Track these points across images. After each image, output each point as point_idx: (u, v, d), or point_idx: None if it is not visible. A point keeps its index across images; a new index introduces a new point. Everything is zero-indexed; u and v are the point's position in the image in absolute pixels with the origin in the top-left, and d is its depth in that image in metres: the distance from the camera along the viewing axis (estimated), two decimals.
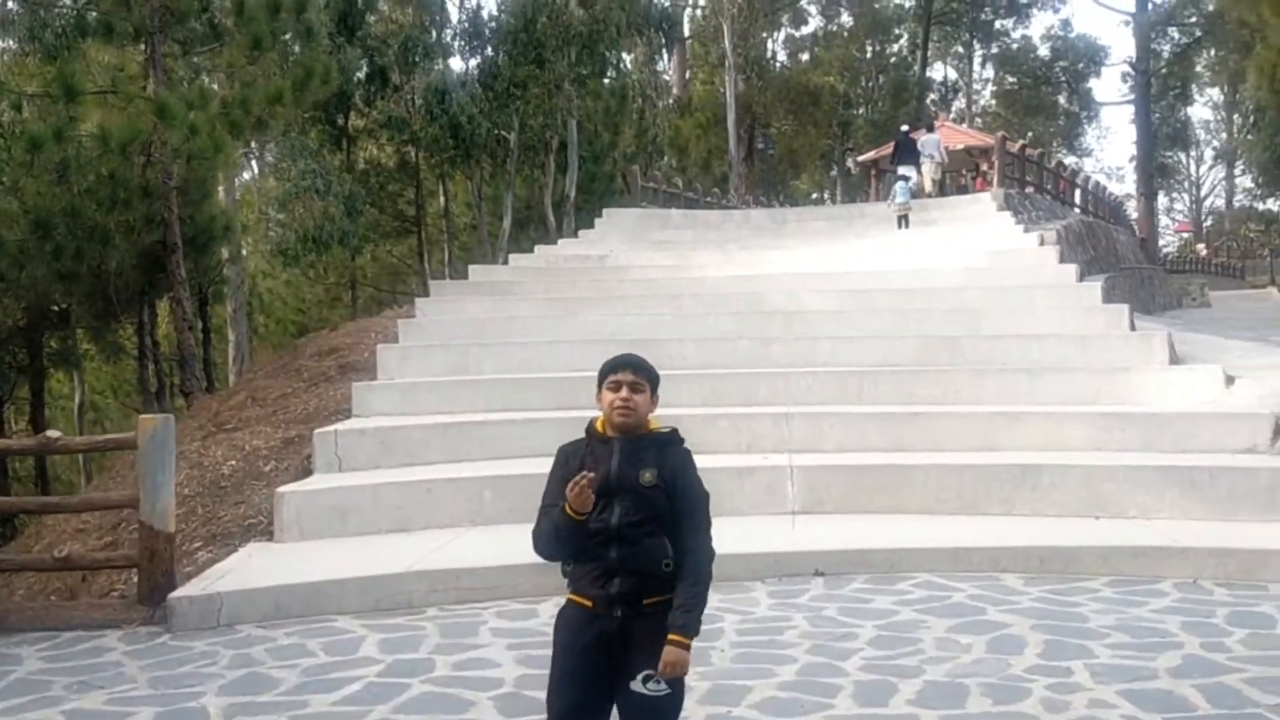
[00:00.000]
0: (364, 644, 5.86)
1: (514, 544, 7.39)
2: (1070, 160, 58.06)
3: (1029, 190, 25.06)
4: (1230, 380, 9.80)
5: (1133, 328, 12.22)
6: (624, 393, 3.32)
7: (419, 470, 8.80)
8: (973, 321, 12.67)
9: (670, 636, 3.12)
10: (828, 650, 5.35)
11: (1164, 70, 60.19)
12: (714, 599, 6.42)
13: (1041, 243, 17.37)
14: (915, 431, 9.41)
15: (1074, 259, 17.59)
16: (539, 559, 6.57)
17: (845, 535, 7.55)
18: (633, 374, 3.36)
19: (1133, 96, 54.47)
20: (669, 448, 3.35)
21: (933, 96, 60.24)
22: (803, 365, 11.70)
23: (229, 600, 6.51)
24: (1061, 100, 67.09)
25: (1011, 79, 65.25)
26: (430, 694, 5.01)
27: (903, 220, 21.08)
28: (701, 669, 5.18)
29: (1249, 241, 76.38)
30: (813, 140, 45.60)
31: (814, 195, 62.15)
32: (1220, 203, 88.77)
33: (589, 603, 3.24)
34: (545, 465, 8.76)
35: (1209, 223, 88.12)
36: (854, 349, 12.03)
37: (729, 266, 17.93)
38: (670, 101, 40.76)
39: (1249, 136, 66.39)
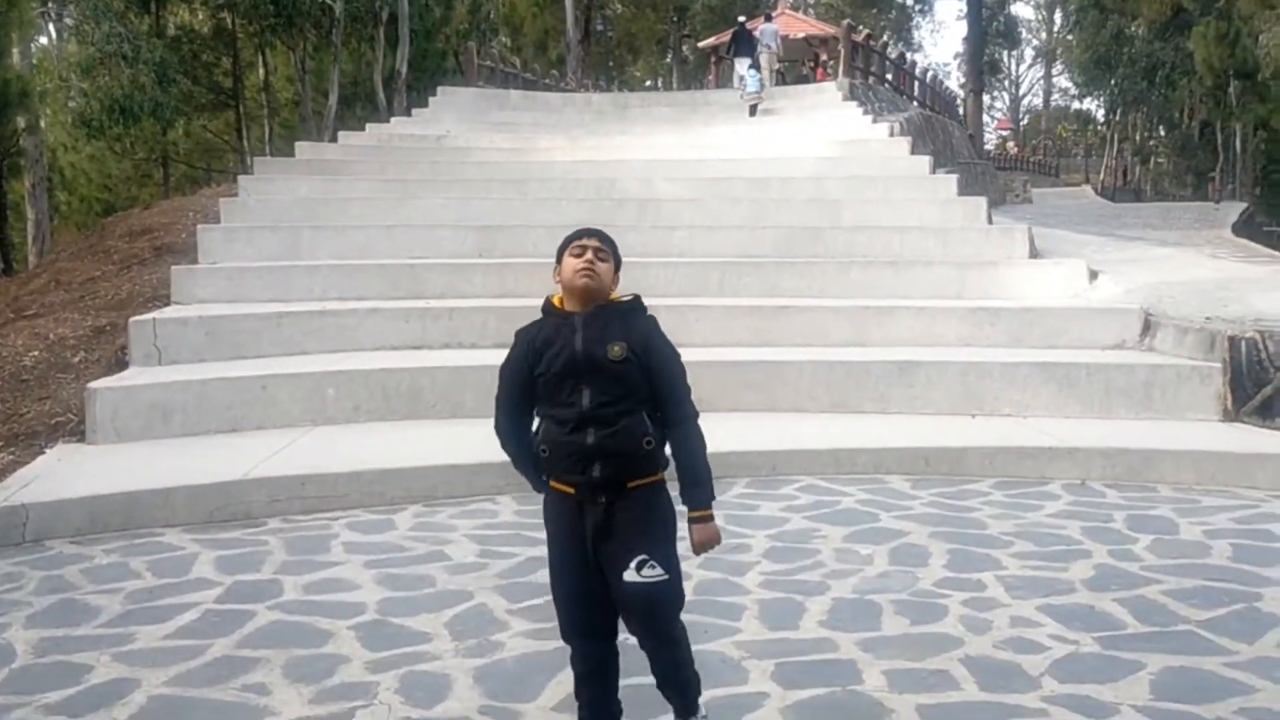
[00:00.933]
0: (197, 563, 5.13)
1: (364, 446, 6.75)
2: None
3: (871, 81, 24.86)
4: (1094, 275, 9.71)
5: (990, 221, 12.09)
6: (588, 255, 3.05)
7: (251, 364, 7.97)
8: (833, 212, 12.33)
9: (690, 514, 2.97)
10: (722, 564, 4.90)
11: None
12: None
13: (892, 133, 17.17)
14: (783, 325, 9.04)
15: (921, 152, 17.46)
16: (393, 464, 5.84)
17: (721, 435, 7.07)
18: (598, 240, 3.09)
19: None
20: (633, 316, 3.09)
21: None
22: (660, 255, 11.19)
23: (35, 513, 5.63)
24: None
25: None
26: (280, 624, 4.35)
27: (754, 109, 20.61)
28: None
29: (1063, 140, 79.02)
30: (650, 25, 44.53)
31: (649, 83, 61.25)
32: (1038, 102, 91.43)
33: (571, 489, 2.99)
34: (394, 359, 8.00)
35: (1025, 121, 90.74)
36: (713, 239, 11.57)
37: (576, 151, 17.25)
38: None
39: (1069, 36, 68.17)
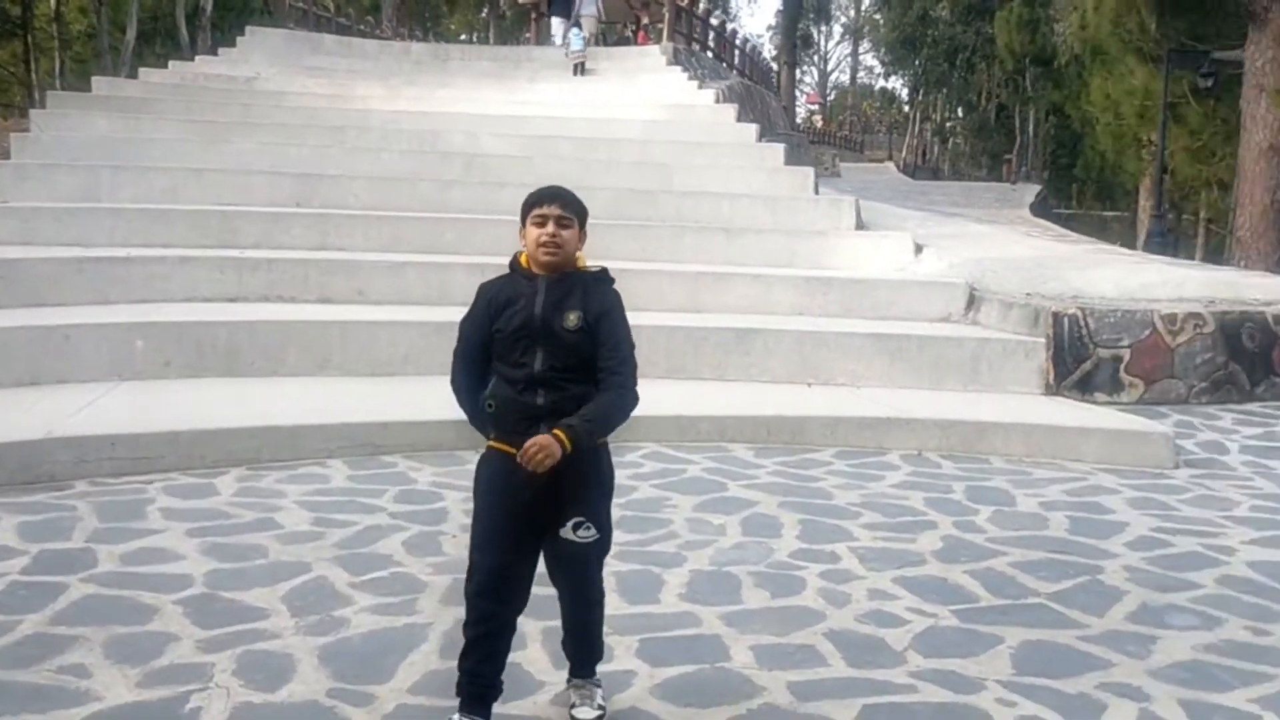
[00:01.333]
0: None
1: (178, 404, 6.30)
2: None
3: (694, 48, 24.91)
4: (919, 249, 9.91)
5: (816, 192, 12.23)
6: (550, 228, 2.98)
7: (50, 313, 7.34)
8: (663, 176, 12.27)
9: (555, 429, 2.84)
10: None
11: None
12: (428, 474, 5.72)
13: (718, 100, 17.20)
14: (619, 288, 8.88)
15: (746, 120, 17.56)
16: (212, 424, 5.43)
17: None
18: (560, 208, 3.00)
19: None
20: (596, 287, 3.04)
21: None
22: (488, 212, 10.89)
23: None
24: None
25: None
26: (97, 598, 3.96)
27: (578, 68, 20.34)
28: (434, 560, 4.45)
29: (868, 117, 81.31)
30: None
31: (464, 36, 60.03)
32: (845, 78, 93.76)
33: (514, 450, 2.89)
34: (209, 312, 7.50)
35: (833, 97, 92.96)
36: None
37: (397, 101, 16.69)
38: None
39: (876, 15, 70.03)
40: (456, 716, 2.98)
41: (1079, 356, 7.45)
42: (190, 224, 9.46)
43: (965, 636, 3.81)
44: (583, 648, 3.23)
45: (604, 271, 3.09)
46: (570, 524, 2.98)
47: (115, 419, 5.88)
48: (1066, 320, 7.49)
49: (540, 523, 3.00)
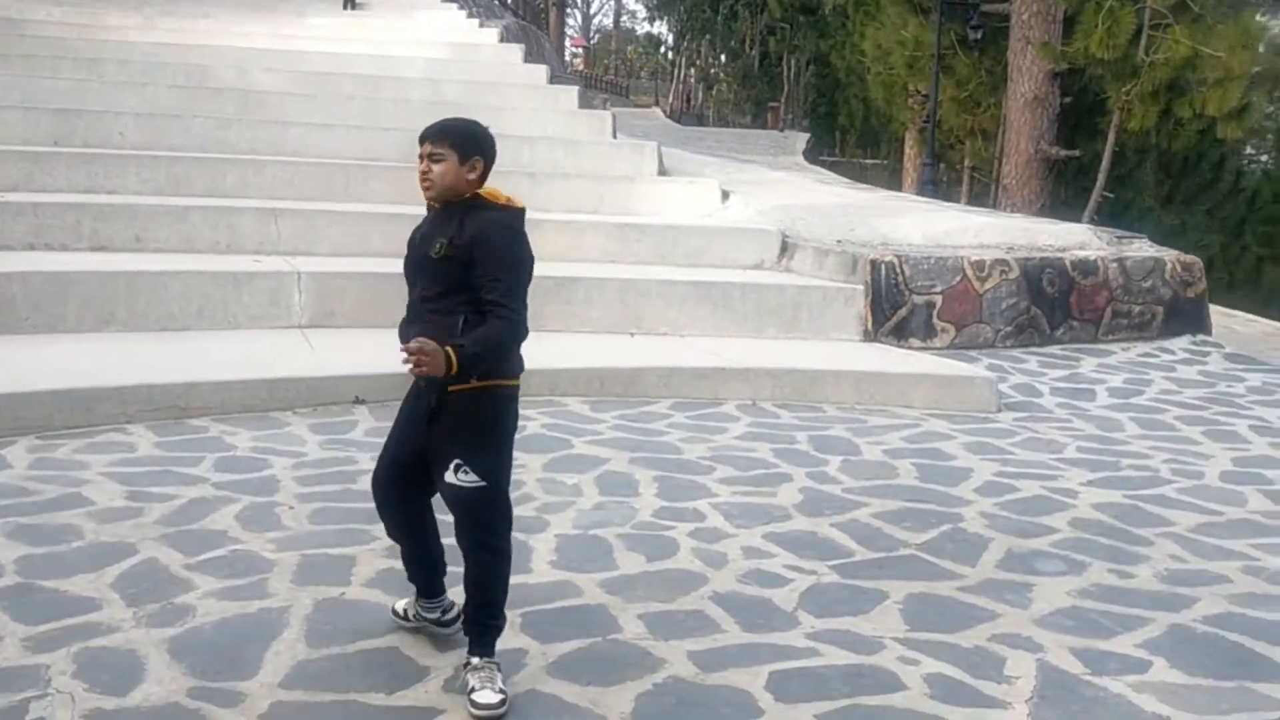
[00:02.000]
0: None
1: None
2: None
3: None
4: (725, 196, 9.87)
5: (614, 136, 12.04)
6: (423, 165, 3.01)
7: None
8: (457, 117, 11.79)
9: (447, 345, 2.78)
10: None
11: None
12: (246, 439, 5.27)
13: (502, 39, 16.75)
14: None
15: (532, 61, 17.18)
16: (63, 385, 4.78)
17: (375, 357, 6.51)
18: (431, 144, 3.00)
19: None
20: (472, 215, 2.95)
21: None
22: (273, 153, 10.24)
23: None
24: None
25: None
26: None
27: (348, 2, 19.44)
28: (275, 535, 4.06)
29: (632, 62, 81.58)
30: None
31: None
32: (608, 22, 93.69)
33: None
34: None
35: (596, 40, 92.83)
36: (331, 138, 10.72)
37: (154, 33, 15.56)
38: None
39: None
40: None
41: (895, 303, 7.56)
42: None
43: (850, 593, 3.74)
44: (479, 618, 3.00)
45: (475, 197, 2.98)
46: (451, 465, 2.95)
47: None
48: (884, 267, 7.59)
49: (429, 460, 3.03)
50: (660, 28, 70.98)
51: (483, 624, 3.00)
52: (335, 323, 7.20)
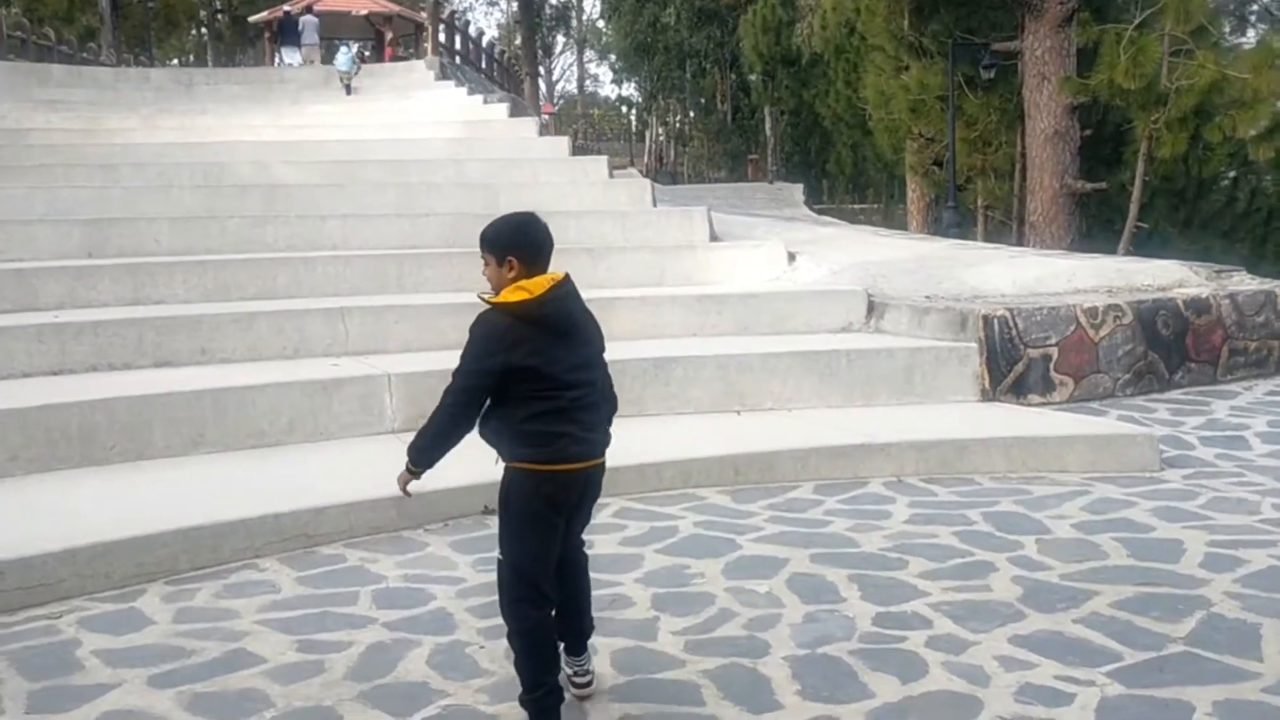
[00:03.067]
0: None
1: (47, 509, 5.17)
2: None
3: (457, 60, 24.09)
4: (792, 257, 9.55)
5: (654, 203, 11.76)
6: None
7: None
8: (489, 197, 11.50)
9: None
10: (625, 627, 4.03)
11: None
12: (391, 567, 4.85)
13: (511, 114, 16.53)
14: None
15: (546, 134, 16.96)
16: (114, 533, 4.47)
17: (486, 453, 6.12)
18: (480, 252, 3.30)
19: None
20: None
21: None
22: (312, 248, 9.92)
23: None
24: None
25: None
26: None
27: (348, 88, 19.27)
28: (481, 683, 3.64)
29: (600, 125, 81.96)
30: None
31: (176, 60, 56.75)
32: (569, 86, 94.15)
33: None
34: (41, 390, 6.32)
35: (559, 106, 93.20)
36: (370, 229, 10.42)
37: (157, 133, 15.34)
38: None
39: (599, 23, 70.49)
40: None
41: (1011, 359, 7.22)
42: None
43: (1153, 707, 3.35)
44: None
45: (482, 304, 3.21)
46: None
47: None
48: (996, 322, 7.25)
49: None
50: (628, 89, 71.21)
51: (521, 699, 3.22)
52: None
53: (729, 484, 5.90)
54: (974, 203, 20.49)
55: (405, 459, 3.28)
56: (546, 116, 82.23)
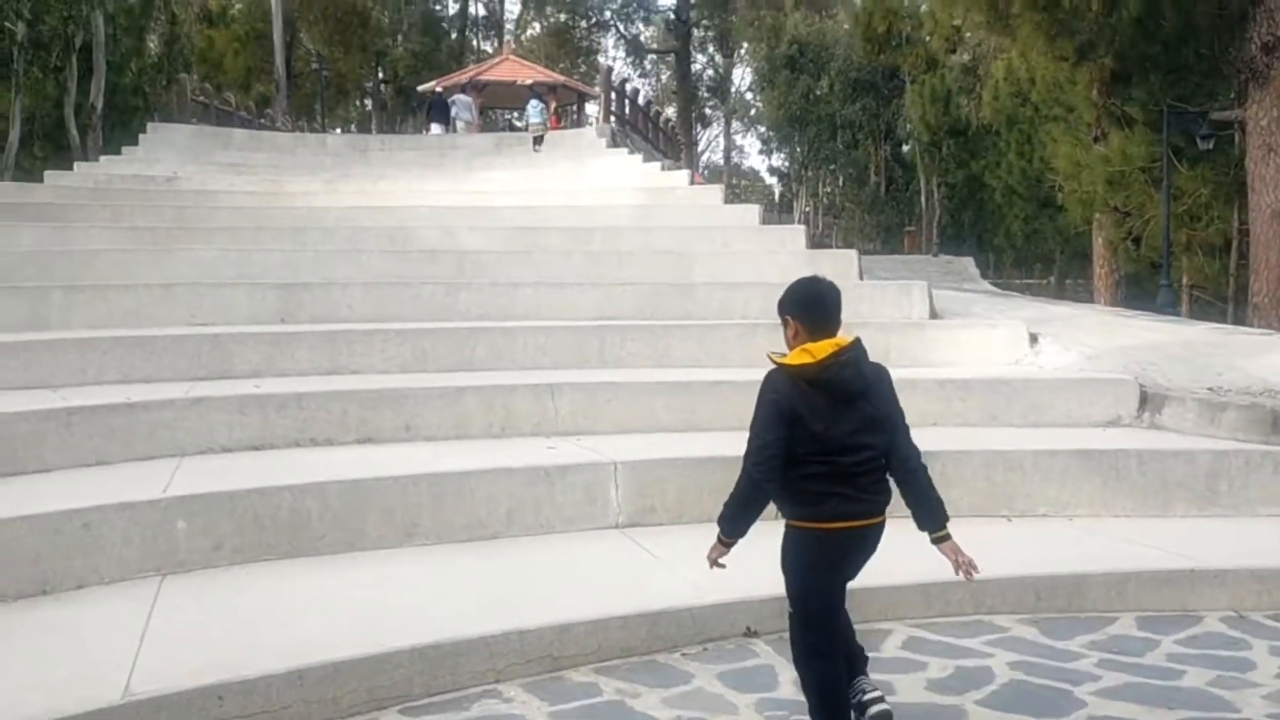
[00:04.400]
0: None
1: (266, 612, 4.57)
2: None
3: (626, 128, 23.86)
4: (1034, 339, 8.63)
5: (861, 276, 10.98)
6: None
7: (42, 485, 5.53)
8: (684, 267, 10.91)
9: None
10: None
11: (704, 23, 62.75)
12: (657, 703, 4.10)
13: (692, 181, 16.00)
14: (713, 404, 7.36)
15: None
16: (343, 652, 4.08)
17: (754, 571, 5.36)
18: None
19: (676, 44, 55.67)
20: None
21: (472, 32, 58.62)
22: (504, 318, 9.35)
23: None
24: (609, 42, 68.90)
25: (563, 15, 65.79)
26: None
27: (537, 141, 19.09)
28: None
29: (744, 194, 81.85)
30: (356, 66, 41.89)
31: (338, 129, 58.56)
32: (715, 157, 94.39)
33: None
34: (246, 470, 5.65)
35: (705, 175, 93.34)
36: (563, 298, 9.83)
37: (339, 196, 15.17)
38: (196, 9, 35.78)
39: (748, 95, 70.57)
40: None
41: None
42: (175, 352, 7.66)
43: None
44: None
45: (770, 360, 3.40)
46: None
47: (200, 650, 4.11)
48: None
49: None
50: (777, 159, 70.90)
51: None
52: (655, 519, 6.08)
53: (1028, 611, 5.01)
54: (1181, 281, 19.19)
55: (714, 536, 3.54)
56: (698, 186, 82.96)
